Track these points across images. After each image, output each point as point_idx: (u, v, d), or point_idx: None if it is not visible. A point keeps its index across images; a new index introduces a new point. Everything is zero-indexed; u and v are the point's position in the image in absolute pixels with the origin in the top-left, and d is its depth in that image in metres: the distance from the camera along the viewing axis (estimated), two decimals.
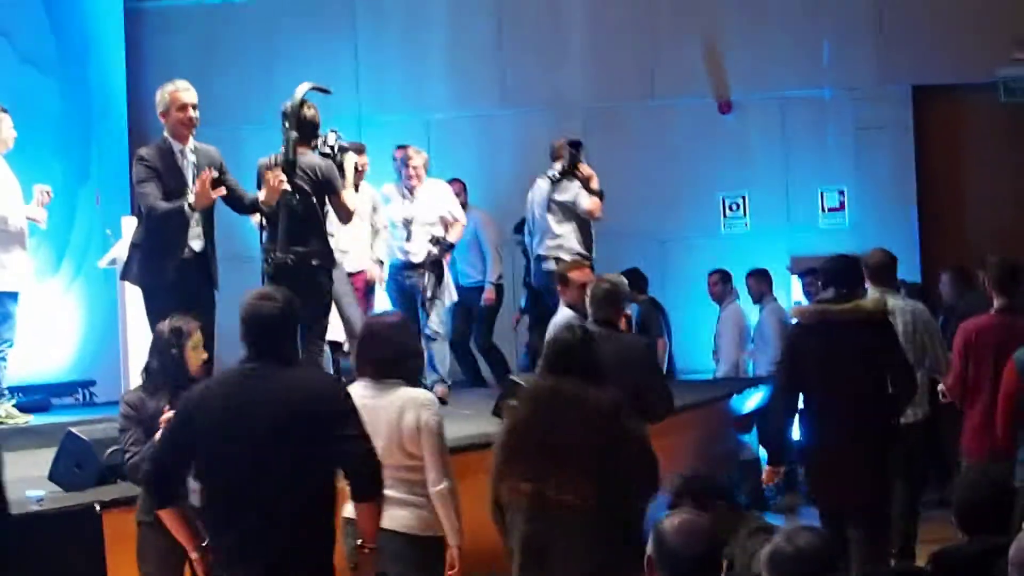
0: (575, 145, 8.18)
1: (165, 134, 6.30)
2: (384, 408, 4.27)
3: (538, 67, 10.42)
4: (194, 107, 6.22)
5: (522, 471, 4.12)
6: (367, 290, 8.07)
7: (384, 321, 4.90)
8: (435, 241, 8.09)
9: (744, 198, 10.30)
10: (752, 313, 9.68)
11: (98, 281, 8.87)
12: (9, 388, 7.34)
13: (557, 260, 7.93)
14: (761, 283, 9.38)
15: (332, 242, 7.24)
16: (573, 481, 4.08)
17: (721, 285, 9.38)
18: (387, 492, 3.80)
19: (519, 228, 8.68)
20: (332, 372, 7.16)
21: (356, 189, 7.66)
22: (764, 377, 8.74)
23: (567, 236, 8.07)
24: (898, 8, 10.15)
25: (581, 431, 4.12)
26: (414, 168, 8.24)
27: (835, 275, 5.79)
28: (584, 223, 8.03)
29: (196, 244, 6.30)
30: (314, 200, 6.61)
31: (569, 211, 8.08)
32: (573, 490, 4.06)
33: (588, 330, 4.60)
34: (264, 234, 6.71)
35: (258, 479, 3.61)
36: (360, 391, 4.21)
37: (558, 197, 8.06)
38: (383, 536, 3.87)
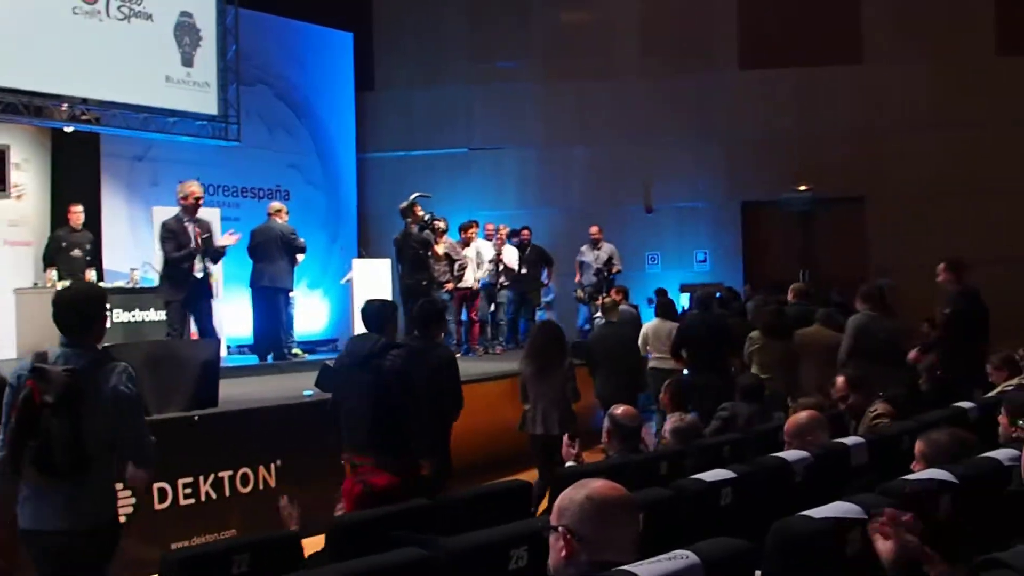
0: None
1: (179, 211, 8.25)
2: None
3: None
4: (196, 197, 8.24)
5: None
6: (471, 296, 11.90)
7: None
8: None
9: (659, 254, 15.52)
10: None
11: (339, 289, 13.03)
12: (298, 342, 11.00)
13: None
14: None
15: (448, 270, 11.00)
16: None
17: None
18: None
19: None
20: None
21: (466, 245, 11.89)
22: None
23: None
24: (740, 155, 14.89)
25: None
26: (500, 235, 12.86)
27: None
28: None
29: (198, 273, 8.20)
30: (422, 252, 10.04)
31: None
32: None
33: None
34: (401, 268, 10.07)
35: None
36: None
37: None
38: None
